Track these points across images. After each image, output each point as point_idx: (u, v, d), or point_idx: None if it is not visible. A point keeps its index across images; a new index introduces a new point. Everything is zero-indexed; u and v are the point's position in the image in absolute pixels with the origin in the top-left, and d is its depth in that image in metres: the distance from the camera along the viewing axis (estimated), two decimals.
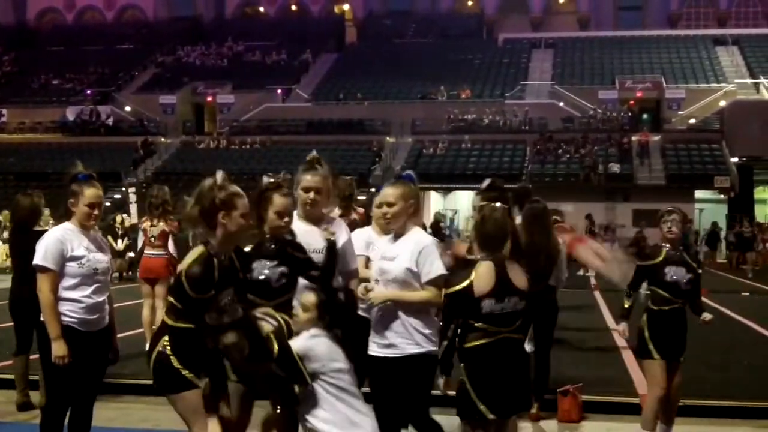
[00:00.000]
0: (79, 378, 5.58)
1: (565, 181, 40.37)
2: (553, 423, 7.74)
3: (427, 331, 5.31)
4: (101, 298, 5.74)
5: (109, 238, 24.89)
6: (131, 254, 23.98)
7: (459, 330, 5.06)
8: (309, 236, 5.45)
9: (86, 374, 5.64)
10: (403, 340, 5.29)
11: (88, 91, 52.77)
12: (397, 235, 5.44)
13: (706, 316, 6.87)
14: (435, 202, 45.24)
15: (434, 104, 47.29)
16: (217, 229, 4.72)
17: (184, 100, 52.10)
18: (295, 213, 5.47)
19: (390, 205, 5.39)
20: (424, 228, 20.91)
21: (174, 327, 4.71)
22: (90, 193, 5.68)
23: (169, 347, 4.71)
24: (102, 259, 5.76)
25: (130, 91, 53.61)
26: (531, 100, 47.79)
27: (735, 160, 40.59)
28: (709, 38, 53.53)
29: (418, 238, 5.35)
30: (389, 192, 5.43)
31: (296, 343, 4.84)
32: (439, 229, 18.62)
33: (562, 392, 7.83)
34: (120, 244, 24.39)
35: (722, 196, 40.48)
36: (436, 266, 5.28)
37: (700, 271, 6.88)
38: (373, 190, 39.15)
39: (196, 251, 4.72)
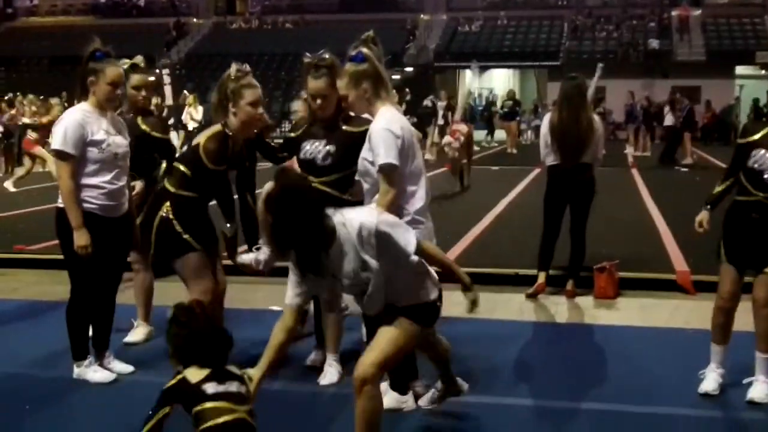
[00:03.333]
0: (102, 264, 5.44)
1: (602, 59, 39.62)
2: (589, 299, 7.80)
3: None
4: (121, 183, 5.50)
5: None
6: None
7: None
8: None
9: (109, 260, 5.50)
10: None
11: None
12: None
13: None
14: (470, 81, 44.80)
15: None
16: (229, 116, 5.14)
17: None
18: None
19: (344, 98, 4.93)
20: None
21: (176, 194, 5.15)
22: (112, 71, 5.38)
23: (171, 212, 5.13)
24: (121, 143, 5.49)
25: None
26: None
27: None
28: None
29: (374, 122, 4.78)
30: (340, 85, 4.93)
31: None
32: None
33: (598, 269, 7.88)
34: None
35: (763, 72, 39.65)
36: (381, 153, 4.60)
37: None
38: (409, 69, 38.83)
39: (214, 128, 5.16)
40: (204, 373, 3.54)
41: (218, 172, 5.12)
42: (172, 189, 5.18)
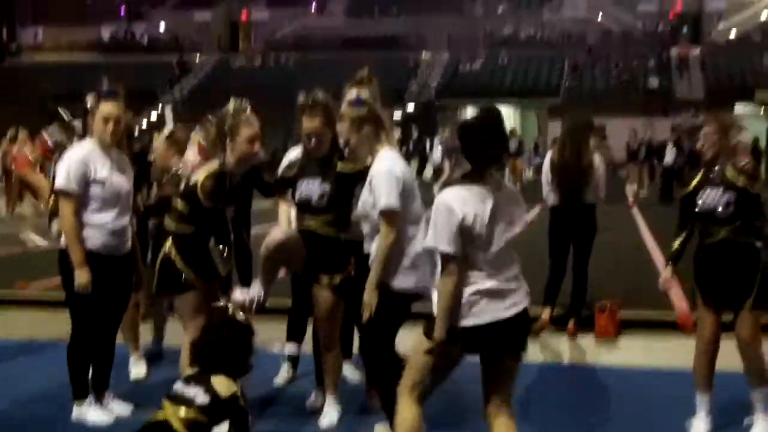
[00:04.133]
0: (104, 304, 5.42)
1: (603, 97, 39.84)
2: (590, 338, 7.77)
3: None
4: (125, 222, 5.52)
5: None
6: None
7: None
8: None
9: (110, 300, 5.48)
10: None
11: (122, 9, 52.62)
12: None
13: None
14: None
15: (470, 18, 46.60)
16: (227, 151, 5.15)
17: (218, 18, 51.82)
18: None
19: (346, 143, 5.11)
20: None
21: (176, 231, 5.16)
22: (105, 107, 5.35)
23: (173, 250, 5.13)
24: (125, 181, 5.51)
25: (165, 9, 53.37)
26: (569, 13, 46.94)
27: None
28: None
29: (375, 165, 4.90)
30: (341, 129, 5.13)
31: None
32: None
33: (599, 308, 7.84)
34: None
35: (762, 109, 39.79)
36: (382, 196, 4.72)
37: (755, 188, 5.23)
38: (410, 104, 38.96)
39: (211, 166, 5.18)
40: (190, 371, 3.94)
41: (215, 210, 5.15)
42: (171, 226, 5.20)
